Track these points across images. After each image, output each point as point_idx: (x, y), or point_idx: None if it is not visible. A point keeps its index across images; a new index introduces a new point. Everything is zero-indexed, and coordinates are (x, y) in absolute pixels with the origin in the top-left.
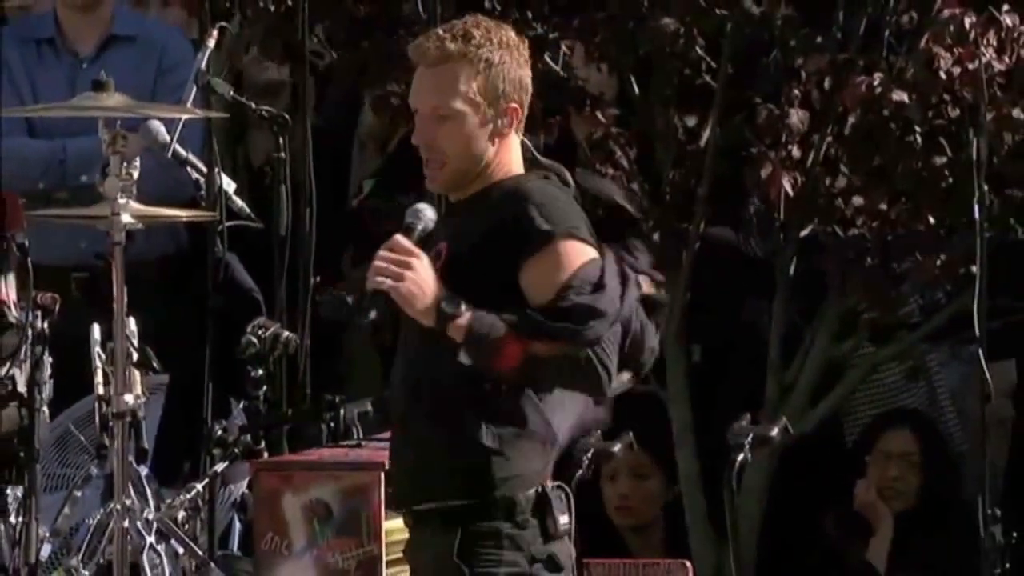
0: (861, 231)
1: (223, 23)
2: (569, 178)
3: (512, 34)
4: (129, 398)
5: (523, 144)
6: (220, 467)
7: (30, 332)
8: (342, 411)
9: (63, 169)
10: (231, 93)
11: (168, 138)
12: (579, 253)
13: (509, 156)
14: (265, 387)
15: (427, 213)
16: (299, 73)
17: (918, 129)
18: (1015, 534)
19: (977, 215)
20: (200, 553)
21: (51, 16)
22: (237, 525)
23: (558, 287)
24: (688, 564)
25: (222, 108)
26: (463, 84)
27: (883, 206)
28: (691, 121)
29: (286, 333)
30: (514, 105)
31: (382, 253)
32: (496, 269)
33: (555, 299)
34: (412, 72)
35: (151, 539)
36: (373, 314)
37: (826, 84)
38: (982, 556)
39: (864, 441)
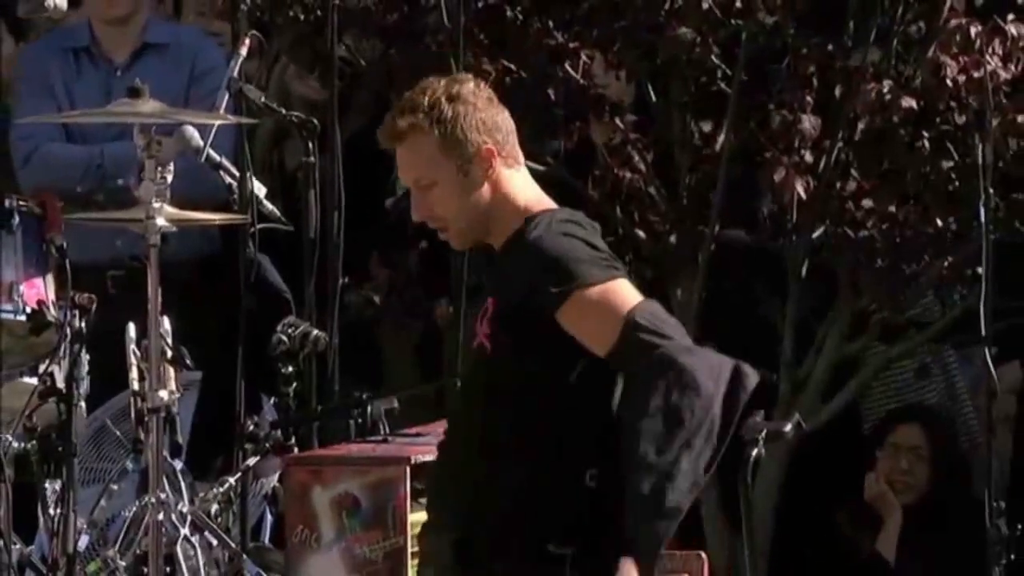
0: (871, 233)
1: (255, 32)
2: None
3: (465, 86)
4: (164, 394)
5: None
6: (252, 461)
7: (68, 331)
8: (370, 407)
9: (100, 173)
10: (262, 99)
11: (201, 143)
12: (595, 298)
13: (511, 191)
14: (295, 384)
15: None
16: (328, 80)
17: (926, 134)
18: (1020, 526)
19: (983, 217)
20: (233, 545)
21: (86, 26)
22: (268, 518)
23: (611, 334)
24: (703, 555)
25: (252, 114)
26: (427, 151)
27: (892, 209)
28: (707, 127)
29: (315, 331)
30: (486, 147)
31: None
32: (537, 323)
33: (619, 344)
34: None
35: (185, 531)
36: None
37: (837, 91)
38: (988, 547)
39: (875, 435)
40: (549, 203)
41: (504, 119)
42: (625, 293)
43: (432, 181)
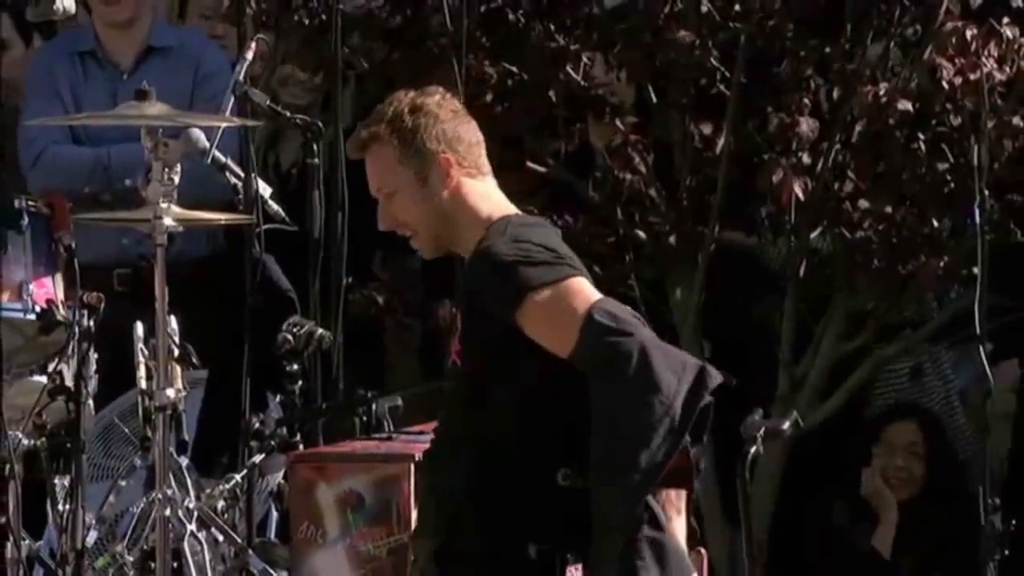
0: (868, 233)
1: (260, 35)
2: None
3: (431, 98)
4: (171, 392)
5: None
6: (257, 458)
7: (77, 330)
8: (374, 405)
9: (107, 174)
10: (267, 102)
11: (208, 145)
12: (549, 300)
13: (471, 201)
14: (300, 382)
15: None
16: (332, 83)
17: (922, 136)
18: (1014, 522)
19: (978, 218)
20: (239, 540)
21: (91, 30)
22: (274, 514)
23: (570, 336)
24: (702, 551)
25: (258, 117)
26: (386, 160)
27: (889, 210)
28: (706, 129)
29: (320, 330)
30: (443, 156)
31: None
32: (497, 331)
33: (579, 344)
34: (441, 81)
35: (192, 527)
36: None
37: (834, 94)
38: (982, 542)
39: (871, 432)
40: (511, 210)
41: (468, 130)
42: (580, 292)
43: (392, 189)
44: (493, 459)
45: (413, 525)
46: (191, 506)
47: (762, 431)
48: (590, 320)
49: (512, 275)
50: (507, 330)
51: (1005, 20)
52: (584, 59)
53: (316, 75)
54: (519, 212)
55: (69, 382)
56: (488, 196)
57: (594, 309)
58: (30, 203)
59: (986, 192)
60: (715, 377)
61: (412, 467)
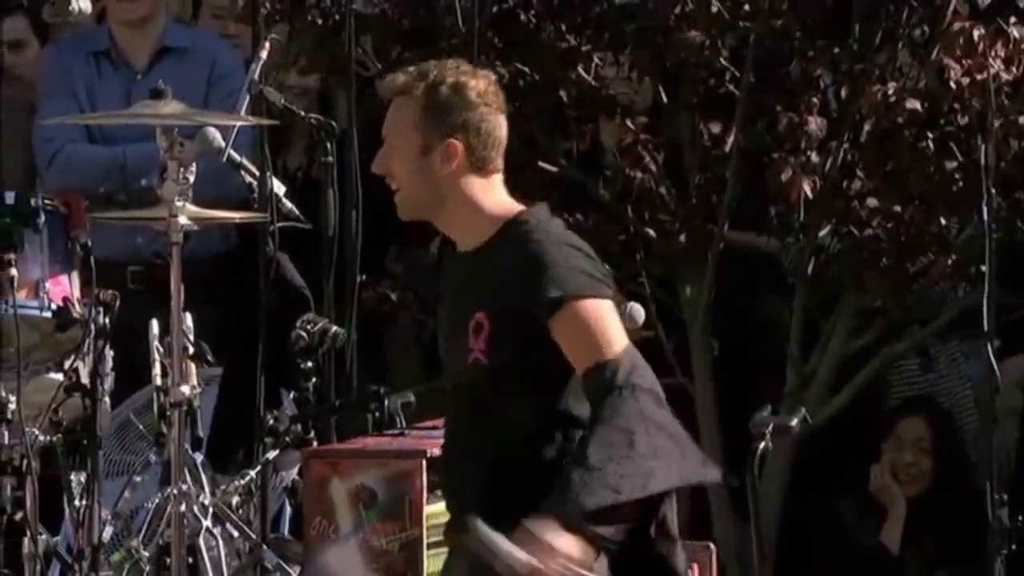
0: (876, 232)
1: (274, 35)
2: None
3: (478, 80)
4: (185, 389)
5: None
6: (272, 455)
7: (93, 327)
8: (387, 402)
9: (123, 173)
10: (282, 101)
11: (223, 144)
12: (590, 313)
13: (474, 194)
14: (314, 379)
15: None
16: (345, 83)
17: (930, 135)
18: (1021, 518)
19: (986, 216)
20: (253, 536)
21: (106, 30)
22: (288, 509)
23: (586, 361)
24: (711, 546)
25: (272, 116)
26: (407, 116)
27: (897, 208)
28: (716, 128)
29: (334, 328)
30: (454, 142)
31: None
32: (534, 329)
33: (590, 377)
34: None
35: (207, 522)
36: None
37: (843, 93)
38: (989, 537)
39: (880, 428)
40: (517, 207)
41: (494, 127)
42: (613, 317)
43: (395, 144)
44: (509, 457)
45: (439, 512)
46: (206, 502)
47: (771, 427)
48: (609, 367)
49: (559, 278)
50: (538, 329)
51: (1012, 20)
52: (595, 59)
53: (329, 75)
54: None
55: (85, 379)
56: (491, 191)
57: (620, 360)
58: (46, 202)
59: (993, 191)
60: (706, 474)
61: (424, 463)
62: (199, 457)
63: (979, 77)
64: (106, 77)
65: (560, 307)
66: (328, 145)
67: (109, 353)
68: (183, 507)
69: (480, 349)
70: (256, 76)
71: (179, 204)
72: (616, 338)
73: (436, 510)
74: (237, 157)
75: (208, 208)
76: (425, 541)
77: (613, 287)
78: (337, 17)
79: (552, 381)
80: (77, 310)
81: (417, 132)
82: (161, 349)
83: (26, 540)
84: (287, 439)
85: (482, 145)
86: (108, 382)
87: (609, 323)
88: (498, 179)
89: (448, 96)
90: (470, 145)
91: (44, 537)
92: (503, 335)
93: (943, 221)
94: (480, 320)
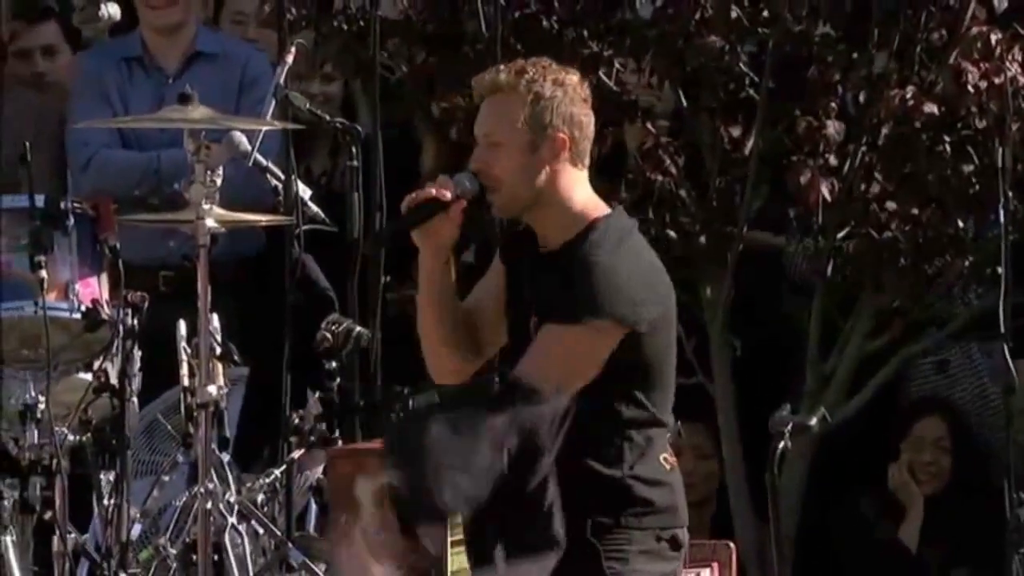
0: (894, 234)
1: (300, 40)
2: None
3: (572, 76)
4: (212, 389)
5: None
6: (297, 454)
7: (121, 328)
8: (411, 402)
9: (157, 177)
10: (307, 106)
11: (249, 148)
12: (596, 340)
13: (570, 187)
14: (339, 379)
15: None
16: (370, 87)
17: (947, 139)
18: None
19: (1002, 219)
20: (278, 533)
21: (138, 35)
22: (313, 508)
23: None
24: (731, 545)
25: (298, 120)
26: (512, 114)
27: (915, 211)
28: (735, 131)
29: (358, 328)
30: (561, 136)
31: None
32: None
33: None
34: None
35: (233, 520)
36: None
37: (861, 97)
38: (1007, 535)
39: (898, 427)
40: (602, 206)
41: (589, 122)
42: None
43: (500, 141)
44: (572, 456)
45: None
46: (232, 500)
47: (790, 426)
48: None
49: (601, 292)
50: None
51: None
52: (616, 64)
53: (354, 79)
54: (610, 209)
55: (114, 379)
56: (583, 186)
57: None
58: (76, 205)
59: (1010, 193)
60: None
61: None
62: (225, 456)
63: (996, 81)
64: (138, 82)
65: (579, 321)
66: (353, 149)
67: (137, 354)
68: (209, 505)
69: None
70: (281, 81)
71: (206, 207)
72: (574, 379)
73: None
74: (263, 161)
75: (235, 211)
76: (449, 539)
77: (661, 308)
78: (362, 23)
79: (605, 383)
80: (106, 311)
81: (526, 129)
82: (188, 350)
83: (55, 538)
84: (312, 438)
85: (583, 138)
86: (136, 382)
87: (595, 344)
88: (586, 174)
89: (552, 91)
90: (573, 138)
91: (73, 535)
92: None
93: (960, 223)
94: (536, 325)
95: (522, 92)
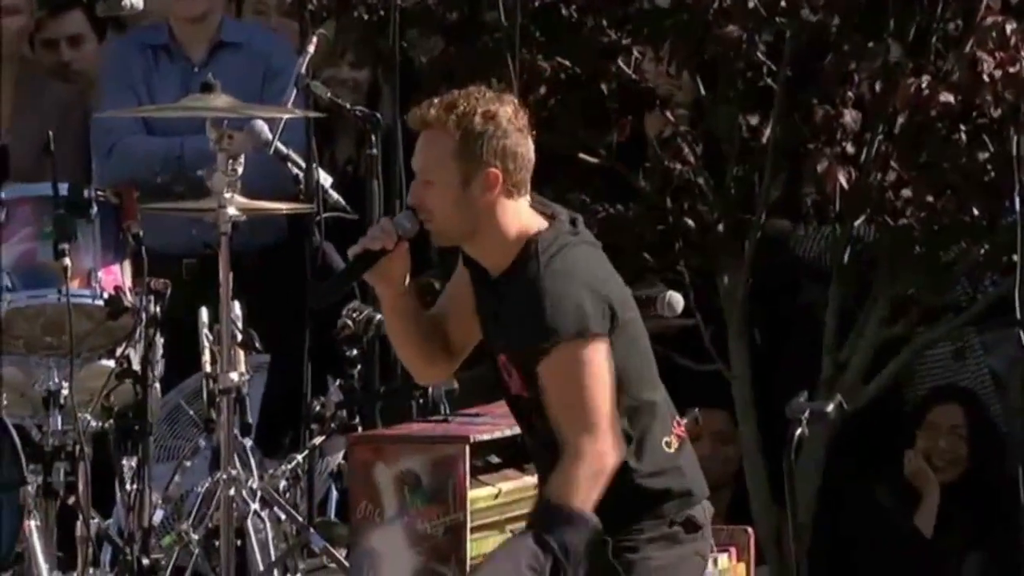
0: (910, 222)
1: (322, 30)
2: (581, 222)
3: (505, 107)
4: (234, 376)
5: (537, 200)
6: (318, 440)
7: (144, 315)
8: (431, 389)
9: (180, 164)
10: (328, 95)
11: (271, 136)
12: (576, 359)
13: (505, 217)
14: (359, 366)
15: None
16: (390, 77)
17: (963, 127)
18: None
19: (1017, 207)
20: (300, 519)
21: (165, 24)
22: (334, 494)
23: (556, 409)
24: (749, 530)
25: (319, 109)
26: (441, 150)
27: (930, 198)
28: (753, 120)
29: (379, 316)
30: (493, 171)
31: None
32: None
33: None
34: (496, 75)
35: (255, 506)
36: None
37: (878, 86)
38: (1023, 522)
39: (915, 414)
40: (535, 225)
41: (526, 150)
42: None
43: (432, 180)
44: None
45: (482, 496)
46: (254, 486)
47: (807, 413)
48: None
49: (555, 314)
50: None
51: None
52: (635, 53)
53: (374, 69)
54: (546, 224)
55: (136, 366)
56: (518, 215)
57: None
58: (99, 193)
59: None
60: None
61: (468, 449)
62: (247, 442)
63: (1012, 70)
64: (164, 71)
65: (546, 351)
66: (373, 137)
67: (159, 340)
68: (232, 491)
69: (519, 387)
70: (303, 70)
71: (228, 195)
72: (591, 394)
73: (479, 494)
74: (284, 149)
75: (256, 200)
76: (469, 525)
77: (617, 312)
78: (382, 12)
79: None
80: (128, 299)
81: (456, 165)
82: (210, 337)
83: (79, 523)
84: (333, 425)
85: (518, 169)
86: (158, 369)
87: (585, 372)
88: (525, 201)
89: (482, 126)
90: (507, 171)
91: (96, 520)
92: (532, 375)
93: (976, 211)
94: (505, 363)
95: (451, 128)
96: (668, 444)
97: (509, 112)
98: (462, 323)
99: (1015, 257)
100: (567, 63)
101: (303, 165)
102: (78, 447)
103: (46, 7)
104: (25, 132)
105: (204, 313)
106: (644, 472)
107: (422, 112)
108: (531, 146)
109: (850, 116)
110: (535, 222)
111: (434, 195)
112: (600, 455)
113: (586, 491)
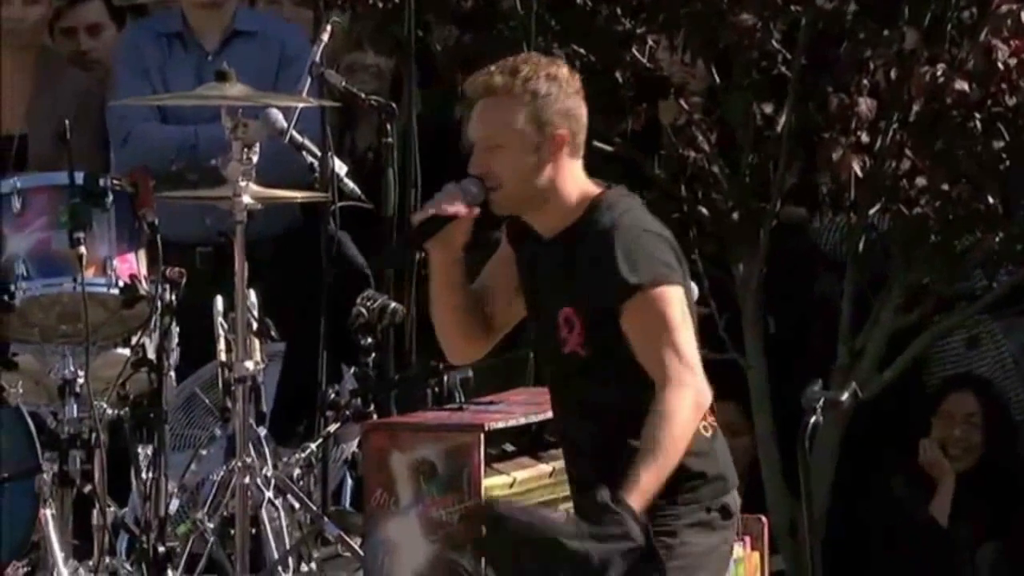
0: (925, 210)
1: (336, 18)
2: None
3: (563, 69)
4: (249, 364)
5: None
6: (333, 428)
7: (159, 304)
8: (445, 377)
9: (195, 152)
10: (343, 84)
11: (285, 125)
12: (665, 301)
13: (568, 179)
14: (374, 354)
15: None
16: (405, 65)
17: (978, 116)
18: None
19: None
20: (314, 508)
21: (179, 13)
22: (349, 482)
23: (650, 349)
24: (763, 519)
25: (334, 98)
26: (509, 115)
27: (945, 187)
28: (768, 108)
29: (393, 304)
30: (561, 132)
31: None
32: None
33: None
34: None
35: (269, 494)
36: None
37: (892, 74)
38: None
39: (930, 402)
40: (592, 187)
41: (583, 113)
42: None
43: (500, 142)
44: (617, 441)
45: (498, 485)
46: (269, 474)
47: (822, 401)
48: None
49: (632, 265)
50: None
51: None
52: (649, 42)
53: (389, 57)
54: (600, 186)
55: (151, 355)
56: (578, 176)
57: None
58: (114, 181)
59: None
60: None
61: (482, 437)
62: (262, 431)
63: None
64: (178, 59)
65: (632, 295)
66: (388, 126)
67: (175, 329)
68: (247, 479)
69: (577, 343)
70: (317, 59)
71: (242, 183)
72: (684, 335)
73: (494, 482)
74: (299, 138)
75: (271, 188)
76: None
77: (686, 275)
78: (397, 0)
79: (639, 366)
80: (144, 287)
81: (528, 127)
82: (225, 325)
83: (95, 512)
84: (348, 413)
85: (580, 129)
86: (174, 357)
87: (675, 313)
88: (581, 162)
89: (548, 88)
90: (572, 132)
91: (112, 509)
92: (596, 329)
93: (990, 200)
94: (569, 316)
95: (518, 92)
96: (705, 428)
97: (567, 74)
98: (504, 301)
99: None
100: (582, 51)
101: (318, 153)
102: (94, 435)
103: None
104: (45, 121)
105: (219, 301)
106: (687, 450)
107: (484, 79)
108: (585, 108)
109: (865, 104)
110: (591, 184)
111: (504, 160)
112: (701, 390)
113: (688, 419)
